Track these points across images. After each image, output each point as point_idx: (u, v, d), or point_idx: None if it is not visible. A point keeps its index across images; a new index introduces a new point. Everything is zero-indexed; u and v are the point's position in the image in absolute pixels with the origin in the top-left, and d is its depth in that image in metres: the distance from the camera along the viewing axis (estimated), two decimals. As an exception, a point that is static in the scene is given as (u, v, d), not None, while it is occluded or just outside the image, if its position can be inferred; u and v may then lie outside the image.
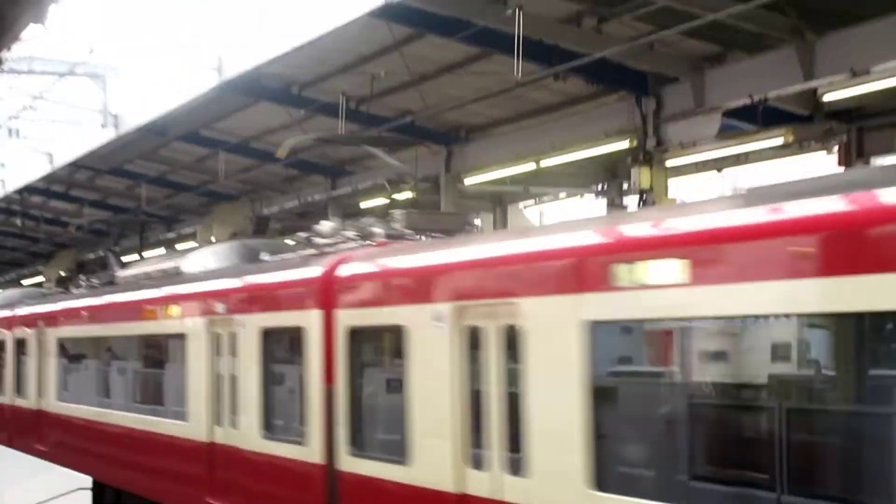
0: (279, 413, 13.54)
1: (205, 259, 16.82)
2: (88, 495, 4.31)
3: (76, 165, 33.19)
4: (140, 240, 38.95)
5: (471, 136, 26.09)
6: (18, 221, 40.83)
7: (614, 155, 21.92)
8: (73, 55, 25.75)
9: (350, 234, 13.85)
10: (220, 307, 14.92)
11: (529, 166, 23.64)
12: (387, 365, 11.15)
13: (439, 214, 20.42)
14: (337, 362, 11.81)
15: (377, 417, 11.02)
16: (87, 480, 4.75)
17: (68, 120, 29.30)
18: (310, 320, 12.65)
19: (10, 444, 22.54)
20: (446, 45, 20.42)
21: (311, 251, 14.17)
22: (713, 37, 18.50)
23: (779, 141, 18.68)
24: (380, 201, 29.48)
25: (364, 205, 30.04)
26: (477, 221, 15.38)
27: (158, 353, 15.96)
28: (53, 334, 20.29)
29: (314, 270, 13.09)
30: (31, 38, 21.53)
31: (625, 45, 18.59)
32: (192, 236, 37.92)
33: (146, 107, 27.32)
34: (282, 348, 13.75)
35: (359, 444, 10.64)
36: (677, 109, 20.01)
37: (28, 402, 21.87)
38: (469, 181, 26.10)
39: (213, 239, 30.57)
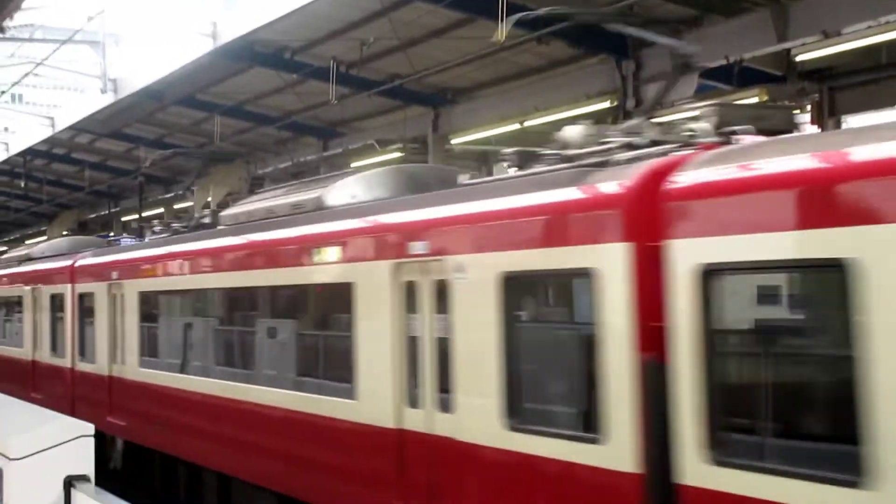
0: (533, 395, 9.78)
1: (352, 190, 13.16)
2: (91, 442, 4.13)
3: (77, 129, 33.21)
4: (140, 201, 38.98)
5: (457, 98, 26.15)
6: (22, 183, 40.62)
7: (596, 115, 20.93)
8: (73, 23, 25.61)
9: (628, 139, 9.89)
10: (416, 246, 11.42)
11: (514, 127, 23.83)
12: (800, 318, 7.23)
13: (760, 107, 16.54)
14: (675, 320, 7.87)
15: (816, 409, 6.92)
16: (89, 428, 4.74)
17: (69, 86, 29.61)
18: (608, 258, 8.53)
19: (72, 414, 16.99)
20: (433, 11, 20.25)
21: (562, 167, 10.08)
22: (690, 1, 18.53)
23: (754, 100, 18.54)
24: (370, 161, 28.52)
25: (354, 164, 29.14)
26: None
27: (304, 309, 12.20)
28: (133, 288, 16.12)
29: (614, 186, 8.96)
30: (32, 7, 21.76)
31: (606, 6, 18.57)
32: (182, 197, 38.31)
33: (144, 72, 27.35)
34: (538, 301, 10.10)
35: (738, 454, 6.67)
36: (656, 71, 19.91)
37: (95, 367, 17.69)
38: (455, 141, 26.44)
39: (209, 199, 31.11)
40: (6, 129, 35.70)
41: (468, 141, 26.46)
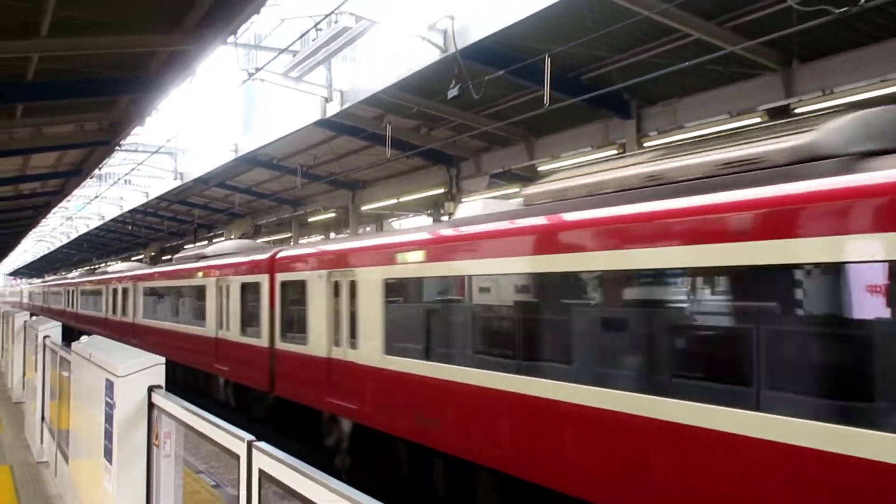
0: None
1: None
2: (162, 368, 4.62)
3: (159, 198, 35.56)
4: (194, 237, 41.55)
5: (366, 185, 28.52)
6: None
7: (437, 196, 24.80)
8: (157, 139, 28.87)
9: None
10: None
11: (394, 201, 26.44)
12: None
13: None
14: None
15: None
16: (161, 359, 4.87)
17: (155, 175, 33.36)
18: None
19: (270, 388, 14.83)
20: (351, 141, 22.99)
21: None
22: (485, 137, 20.92)
23: (516, 190, 18.78)
24: (320, 217, 31.74)
25: (311, 220, 33.13)
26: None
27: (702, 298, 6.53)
28: (370, 275, 11.14)
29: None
30: (135, 133, 22.91)
31: (441, 141, 21.30)
32: (220, 235, 40.09)
33: (197, 169, 30.07)
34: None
35: None
36: (467, 174, 23.33)
37: (306, 348, 13.21)
38: (364, 208, 28.69)
39: (232, 237, 32.66)
40: (121, 198, 37.74)
41: (370, 208, 28.48)
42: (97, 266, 57.40)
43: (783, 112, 13.86)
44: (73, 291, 40.55)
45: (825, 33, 12.22)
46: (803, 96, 13.53)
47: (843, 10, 9.32)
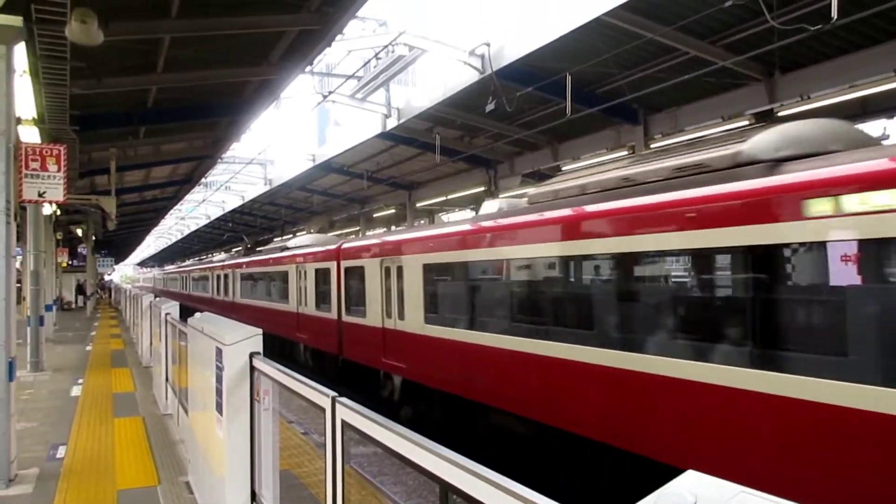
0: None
1: None
2: (260, 338, 4.31)
3: (253, 200, 34.96)
4: (282, 232, 40.63)
5: (419, 186, 27.75)
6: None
7: (478, 194, 23.76)
8: (251, 152, 29.82)
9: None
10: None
11: (443, 198, 26.00)
12: None
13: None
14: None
15: None
16: (259, 331, 4.71)
17: (249, 182, 32.68)
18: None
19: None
20: (408, 149, 22.44)
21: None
22: (517, 143, 20.40)
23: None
24: (383, 213, 31.56)
25: (375, 215, 33.04)
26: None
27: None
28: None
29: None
30: (232, 149, 22.86)
31: (481, 147, 21.02)
32: (302, 230, 38.88)
33: (282, 177, 29.68)
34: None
35: None
36: (502, 174, 22.70)
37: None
38: (419, 205, 28.13)
39: (312, 231, 32.21)
40: (223, 201, 37.30)
41: (423, 205, 28.05)
42: (207, 256, 58.21)
43: (768, 115, 13.67)
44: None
45: (802, 48, 12.16)
46: (784, 101, 13.40)
47: (817, 27, 9.22)
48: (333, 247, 15.76)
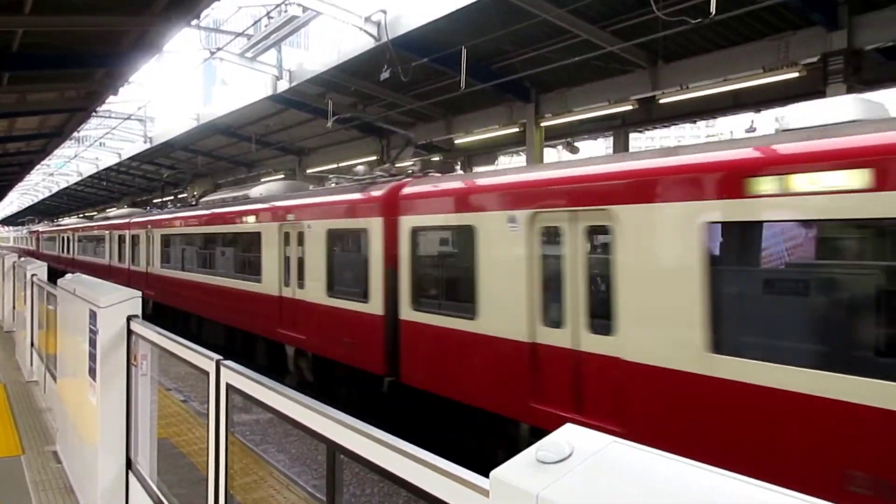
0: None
1: None
2: (139, 300, 4.25)
3: (132, 158, 33.66)
4: (162, 193, 37.96)
5: (310, 152, 26.94)
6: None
7: (370, 163, 21.42)
8: (130, 107, 27.83)
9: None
10: None
11: (333, 166, 24.37)
12: None
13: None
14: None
15: None
16: (138, 293, 4.51)
17: (127, 139, 32.33)
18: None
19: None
20: (299, 114, 21.54)
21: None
22: (411, 114, 20.27)
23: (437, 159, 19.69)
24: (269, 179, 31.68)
25: (263, 180, 30.76)
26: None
27: None
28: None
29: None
30: (110, 102, 23.07)
31: (374, 116, 20.27)
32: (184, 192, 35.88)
33: (164, 135, 28.87)
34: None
35: None
36: (395, 145, 22.15)
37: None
38: (309, 171, 26.50)
39: (195, 193, 31.09)
40: (97, 158, 35.67)
41: (314, 171, 26.81)
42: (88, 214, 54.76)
43: (650, 102, 14.39)
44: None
45: (683, 40, 12.64)
46: (666, 89, 13.84)
47: (697, 21, 9.59)
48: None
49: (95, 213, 47.30)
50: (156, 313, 18.92)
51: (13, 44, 12.87)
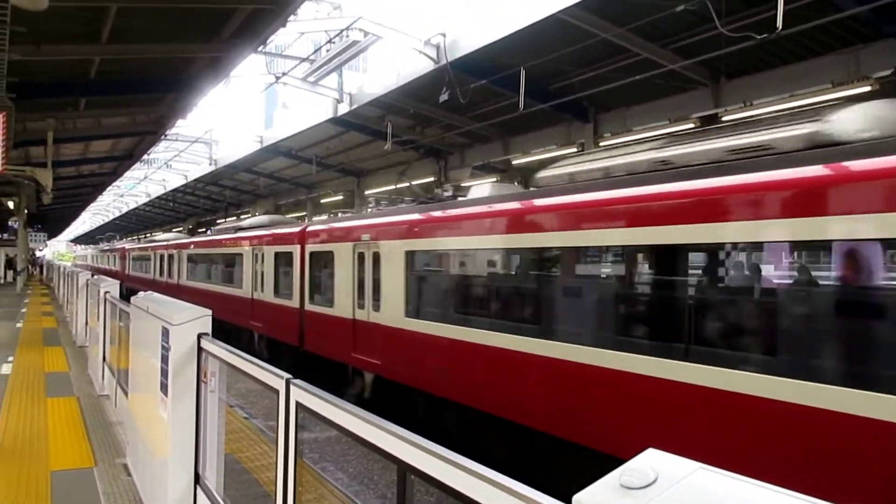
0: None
1: None
2: (209, 318, 4.21)
3: (197, 180, 34.68)
4: (225, 213, 40.25)
5: (369, 174, 27.33)
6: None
7: (428, 184, 22.98)
8: (196, 131, 28.90)
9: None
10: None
11: (392, 187, 24.47)
12: None
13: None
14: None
15: None
16: (208, 312, 4.61)
17: (193, 161, 32.32)
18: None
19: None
20: (359, 136, 22.22)
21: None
22: (468, 135, 20.40)
23: (493, 179, 17.57)
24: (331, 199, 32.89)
25: (323, 201, 31.75)
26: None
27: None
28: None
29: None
30: (179, 125, 23.22)
31: (433, 138, 21.04)
32: (247, 212, 37.98)
33: (227, 158, 29.75)
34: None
35: None
36: (453, 165, 22.95)
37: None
38: (367, 193, 26.18)
39: (257, 213, 30.71)
40: (164, 179, 36.64)
41: (372, 193, 25.99)
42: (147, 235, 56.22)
43: (712, 119, 13.93)
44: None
45: (747, 56, 12.36)
46: (728, 107, 13.68)
47: (763, 36, 9.39)
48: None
49: (181, 228, 47.25)
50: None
51: (91, 71, 13.63)
